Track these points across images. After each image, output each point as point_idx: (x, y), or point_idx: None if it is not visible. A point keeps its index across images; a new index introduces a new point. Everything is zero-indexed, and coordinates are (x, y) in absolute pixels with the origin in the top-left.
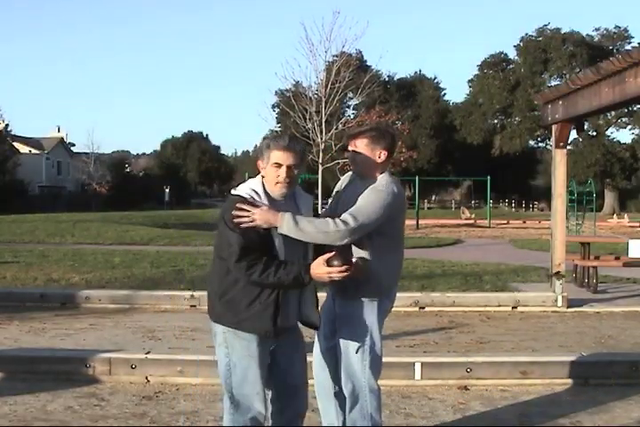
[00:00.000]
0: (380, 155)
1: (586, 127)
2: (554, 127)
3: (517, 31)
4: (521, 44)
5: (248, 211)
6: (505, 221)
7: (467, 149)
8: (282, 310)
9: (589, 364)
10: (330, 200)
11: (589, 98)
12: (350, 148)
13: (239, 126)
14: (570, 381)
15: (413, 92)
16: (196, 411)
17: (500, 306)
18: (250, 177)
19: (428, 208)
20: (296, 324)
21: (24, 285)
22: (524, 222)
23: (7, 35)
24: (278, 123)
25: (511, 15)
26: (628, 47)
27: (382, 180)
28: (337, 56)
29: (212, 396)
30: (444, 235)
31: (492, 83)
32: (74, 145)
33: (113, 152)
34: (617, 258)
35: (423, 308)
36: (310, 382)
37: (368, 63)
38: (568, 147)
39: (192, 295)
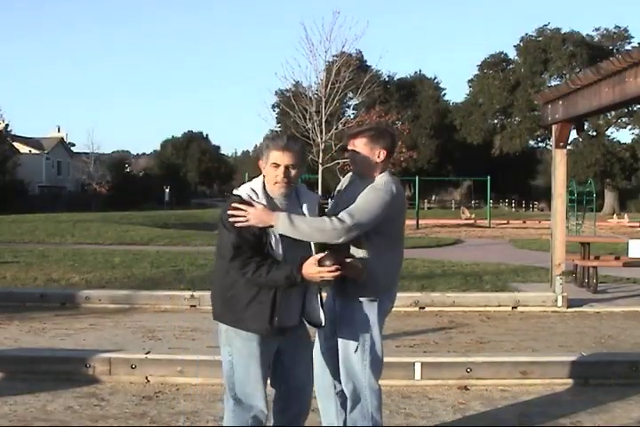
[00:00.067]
0: (380, 154)
1: (586, 127)
2: (554, 127)
3: (517, 31)
4: (521, 44)
5: (244, 210)
6: (505, 221)
7: (467, 149)
8: (280, 309)
9: (589, 364)
10: (330, 200)
11: (589, 98)
12: (350, 147)
13: (239, 126)
14: (570, 381)
15: (413, 92)
16: (195, 411)
17: (499, 306)
18: (250, 177)
19: (428, 208)
20: (300, 324)
21: (24, 285)
22: (524, 222)
23: (7, 35)
24: (278, 123)
25: (511, 15)
26: (628, 47)
27: (381, 179)
28: (337, 56)
29: (211, 396)
30: (444, 235)
31: (492, 83)
32: (74, 145)
33: (113, 152)
34: (617, 258)
35: (423, 308)
36: None
37: (368, 63)
38: (568, 147)
39: (192, 295)
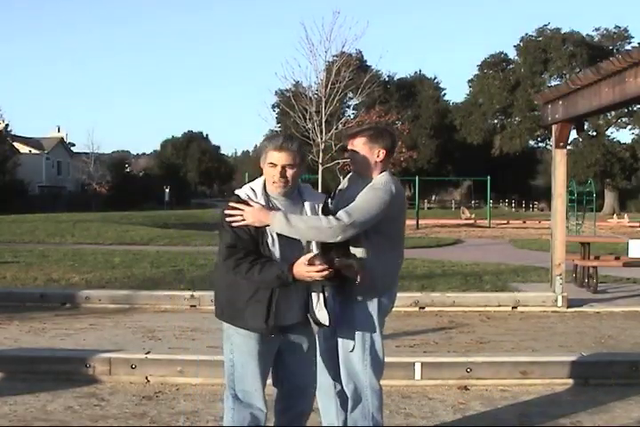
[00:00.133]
0: (379, 154)
1: (586, 127)
2: (554, 127)
3: (517, 31)
4: (521, 44)
5: (241, 210)
6: (505, 221)
7: (467, 149)
8: (276, 308)
9: (589, 364)
10: (331, 200)
11: (589, 98)
12: (349, 147)
13: (239, 126)
14: (570, 381)
15: (413, 92)
16: (195, 411)
17: (500, 306)
18: (250, 177)
19: (428, 208)
20: (304, 323)
21: (24, 285)
22: (524, 222)
23: (7, 35)
24: (278, 123)
25: (511, 15)
26: (628, 47)
27: (381, 179)
28: (337, 56)
29: (211, 396)
30: (444, 235)
31: (492, 83)
32: (74, 145)
33: (113, 152)
34: (617, 258)
35: (423, 308)
36: None
37: (368, 63)
38: (568, 147)
39: (192, 295)
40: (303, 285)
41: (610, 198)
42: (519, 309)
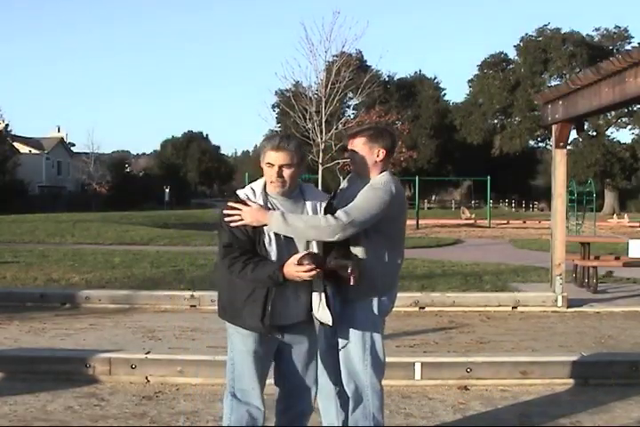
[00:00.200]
0: (379, 153)
1: (586, 127)
2: (554, 127)
3: (517, 31)
4: (521, 44)
5: (239, 210)
6: (505, 221)
7: (467, 149)
8: (273, 308)
9: (589, 364)
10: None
11: (589, 98)
12: (349, 147)
13: (239, 126)
14: (570, 381)
15: (413, 92)
16: (195, 411)
17: (500, 306)
18: (250, 177)
19: (428, 208)
20: (307, 323)
21: (24, 285)
22: (524, 222)
23: (7, 35)
24: (278, 123)
25: (511, 15)
26: (628, 47)
27: (381, 178)
28: (337, 56)
29: (211, 396)
30: (444, 235)
31: (492, 83)
32: (74, 145)
33: (113, 152)
34: (617, 258)
35: (423, 308)
36: None
37: (368, 63)
38: (568, 147)
39: (192, 295)
40: (304, 284)
41: (610, 198)
42: (519, 309)
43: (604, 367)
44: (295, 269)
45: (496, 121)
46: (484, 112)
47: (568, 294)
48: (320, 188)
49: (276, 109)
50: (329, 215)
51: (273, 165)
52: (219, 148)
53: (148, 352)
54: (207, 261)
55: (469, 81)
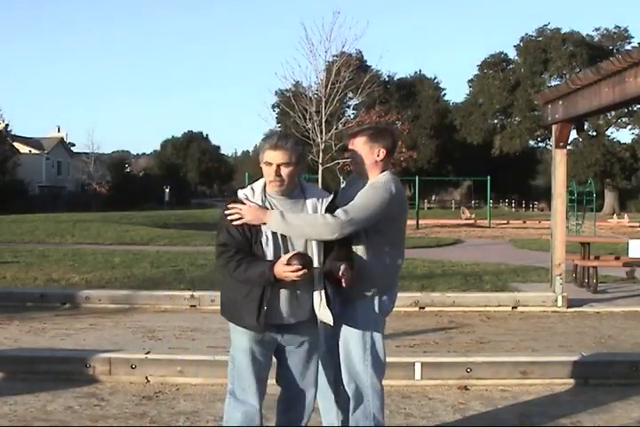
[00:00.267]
0: (379, 153)
1: (586, 127)
2: (554, 127)
3: (517, 31)
4: (521, 44)
5: (239, 208)
6: (505, 221)
7: (467, 149)
8: (269, 307)
9: (589, 364)
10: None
11: (589, 98)
12: (350, 147)
13: (239, 126)
14: (570, 381)
15: (413, 92)
16: (195, 411)
17: (499, 306)
18: (250, 177)
19: (428, 208)
20: (304, 323)
21: (24, 285)
22: (524, 222)
23: (7, 35)
24: (278, 123)
25: (511, 15)
26: (628, 47)
27: (381, 178)
28: (337, 56)
29: (211, 396)
30: (444, 235)
31: (492, 83)
32: (74, 145)
33: (113, 152)
34: (617, 258)
35: (423, 308)
36: None
37: (368, 63)
38: (568, 147)
39: (192, 295)
40: (304, 284)
41: (610, 198)
42: (519, 309)
43: (603, 367)
44: (283, 269)
45: (496, 121)
46: (484, 112)
47: (568, 294)
48: (320, 188)
49: (276, 109)
50: (328, 214)
51: (271, 163)
52: (219, 148)
53: (148, 352)
54: (207, 261)
55: (469, 81)
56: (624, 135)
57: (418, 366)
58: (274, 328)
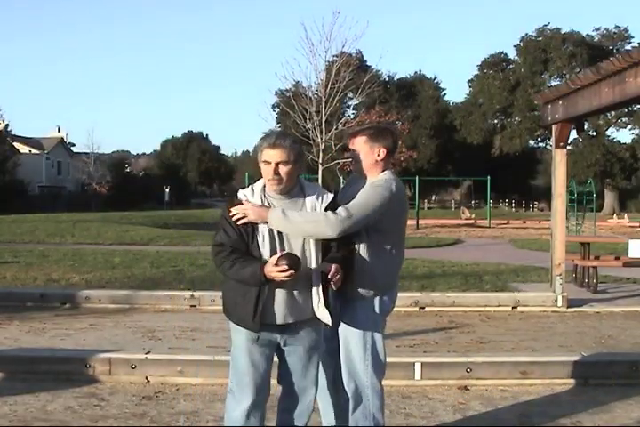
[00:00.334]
0: (379, 152)
1: (586, 127)
2: (554, 127)
3: (517, 31)
4: (521, 44)
5: (242, 208)
6: (505, 221)
7: (467, 149)
8: (265, 307)
9: (589, 364)
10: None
11: (589, 98)
12: (350, 146)
13: (239, 126)
14: (570, 381)
15: (413, 92)
16: (195, 411)
17: (499, 306)
18: (250, 177)
19: (428, 208)
20: (305, 323)
21: (24, 285)
22: (524, 222)
23: (7, 35)
24: (278, 123)
25: (511, 15)
26: (628, 47)
27: (382, 177)
28: (337, 56)
29: (211, 396)
30: (444, 235)
31: (492, 83)
32: (74, 145)
33: (113, 152)
34: (617, 258)
35: (423, 308)
36: None
37: (368, 63)
38: (568, 147)
39: (192, 295)
40: (305, 284)
41: (610, 198)
42: (519, 309)
43: (603, 367)
44: (270, 270)
45: (496, 121)
46: (484, 112)
47: (568, 294)
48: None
49: (276, 109)
50: (329, 211)
51: (269, 162)
52: (219, 148)
53: (148, 352)
54: (207, 261)
55: (469, 81)
56: (624, 135)
57: (418, 366)
58: (274, 328)
